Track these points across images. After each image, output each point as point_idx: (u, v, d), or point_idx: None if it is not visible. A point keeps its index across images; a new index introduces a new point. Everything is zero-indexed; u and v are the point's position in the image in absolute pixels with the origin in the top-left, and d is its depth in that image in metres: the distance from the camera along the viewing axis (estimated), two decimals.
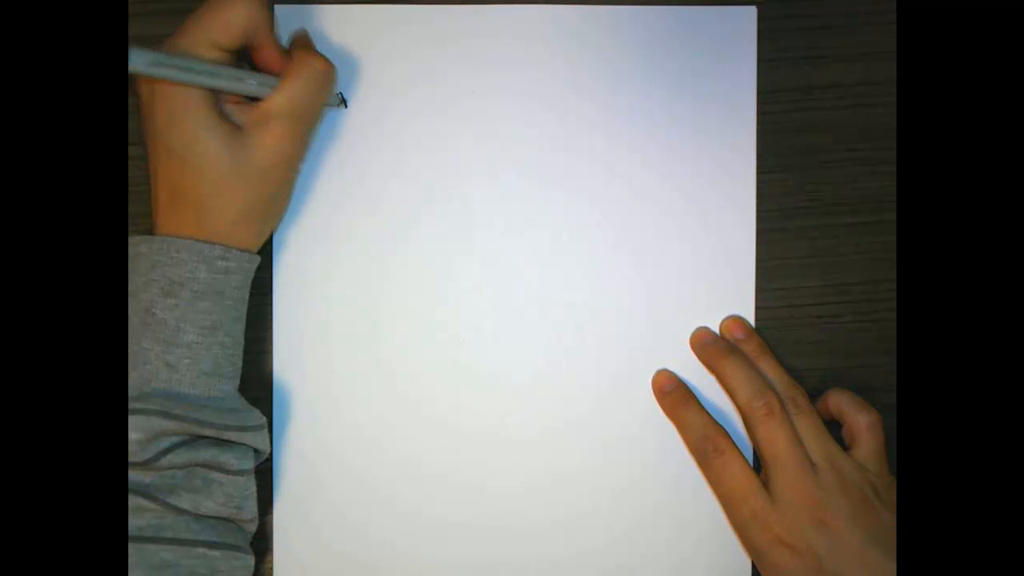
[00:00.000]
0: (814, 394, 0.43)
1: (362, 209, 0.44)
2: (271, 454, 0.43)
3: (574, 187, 0.45)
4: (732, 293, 0.45)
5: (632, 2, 0.45)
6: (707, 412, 0.43)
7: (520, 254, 0.44)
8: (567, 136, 0.45)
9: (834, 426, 0.43)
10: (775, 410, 0.41)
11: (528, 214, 0.44)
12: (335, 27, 0.44)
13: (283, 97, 0.39)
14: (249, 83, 0.39)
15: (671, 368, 0.45)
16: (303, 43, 0.42)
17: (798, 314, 0.45)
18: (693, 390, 0.44)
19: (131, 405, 0.37)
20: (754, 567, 0.43)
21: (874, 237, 0.45)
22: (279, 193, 0.41)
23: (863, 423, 0.41)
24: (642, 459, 0.44)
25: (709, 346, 0.44)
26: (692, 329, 0.45)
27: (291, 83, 0.39)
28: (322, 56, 0.40)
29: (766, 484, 0.40)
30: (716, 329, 0.45)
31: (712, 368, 0.44)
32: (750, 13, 0.45)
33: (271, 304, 0.44)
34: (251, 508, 0.39)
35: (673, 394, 0.44)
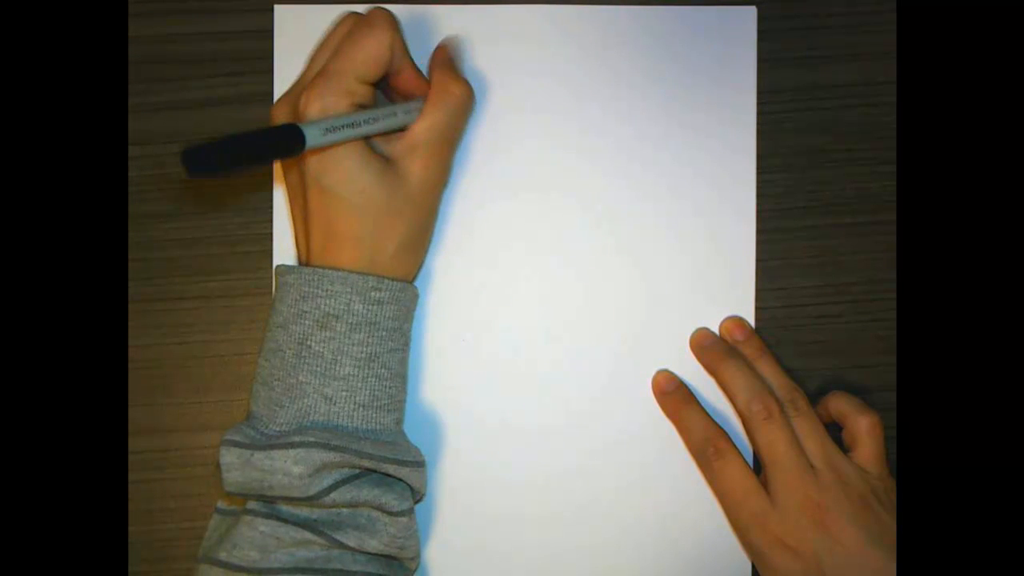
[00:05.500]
0: (814, 394, 0.43)
1: None
2: None
3: (574, 187, 0.44)
4: (732, 293, 0.45)
5: (632, 2, 0.45)
6: (707, 413, 0.43)
7: (520, 254, 0.44)
8: (566, 136, 0.44)
9: (835, 429, 0.43)
10: (774, 414, 0.41)
11: (528, 214, 0.44)
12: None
13: (426, 125, 0.39)
14: (399, 116, 0.39)
15: (671, 368, 0.44)
16: (443, 63, 0.41)
17: (798, 314, 0.45)
18: (693, 391, 0.44)
19: (292, 439, 0.37)
20: (754, 568, 0.43)
21: (874, 237, 0.45)
22: (430, 220, 0.41)
23: (863, 426, 0.41)
24: (642, 459, 0.44)
25: (708, 349, 0.44)
26: (692, 329, 0.45)
27: (433, 110, 0.39)
28: (462, 80, 0.40)
29: (766, 486, 0.40)
30: (716, 329, 0.45)
31: (712, 371, 0.44)
32: (750, 13, 0.45)
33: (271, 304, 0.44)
34: (413, 547, 0.39)
35: (673, 395, 0.44)
